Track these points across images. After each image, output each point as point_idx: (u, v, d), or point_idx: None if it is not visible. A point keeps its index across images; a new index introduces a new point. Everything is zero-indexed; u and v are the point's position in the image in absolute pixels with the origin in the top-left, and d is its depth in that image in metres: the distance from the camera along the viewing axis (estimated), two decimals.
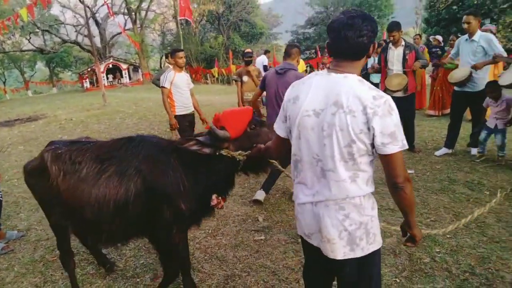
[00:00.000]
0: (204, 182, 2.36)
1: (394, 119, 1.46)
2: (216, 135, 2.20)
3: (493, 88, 4.75)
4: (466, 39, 4.93)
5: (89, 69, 33.23)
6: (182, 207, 2.30)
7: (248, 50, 6.46)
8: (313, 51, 31.13)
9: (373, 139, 1.46)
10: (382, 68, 5.50)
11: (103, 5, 35.20)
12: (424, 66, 5.61)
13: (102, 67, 28.87)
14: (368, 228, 1.59)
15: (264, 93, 4.32)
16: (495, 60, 4.67)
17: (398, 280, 2.66)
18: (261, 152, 2.13)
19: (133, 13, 32.83)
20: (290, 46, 4.18)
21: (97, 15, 36.32)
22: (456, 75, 4.99)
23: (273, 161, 2.35)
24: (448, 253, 2.95)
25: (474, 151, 5.21)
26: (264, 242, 3.36)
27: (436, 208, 3.75)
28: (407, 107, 5.08)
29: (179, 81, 5.14)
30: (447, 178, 4.52)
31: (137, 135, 2.53)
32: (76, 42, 35.69)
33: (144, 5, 33.52)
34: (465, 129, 5.70)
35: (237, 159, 2.22)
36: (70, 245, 2.75)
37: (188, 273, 2.65)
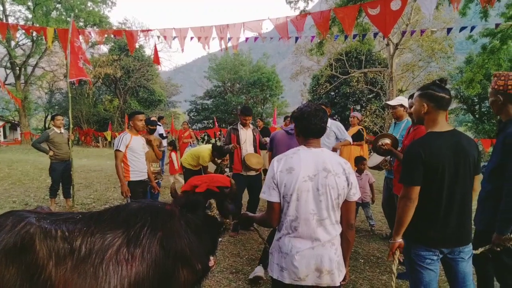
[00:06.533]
0: (206, 242, 2.42)
1: (355, 176, 2.07)
2: (230, 199, 2.54)
3: (359, 162, 5.66)
4: None
5: None
6: (198, 267, 2.29)
7: (154, 118, 6.06)
8: (211, 121, 32.31)
9: (348, 191, 2.01)
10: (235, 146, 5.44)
11: None
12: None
13: None
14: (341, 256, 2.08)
15: None
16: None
17: None
18: (252, 220, 2.42)
19: (17, 68, 30.28)
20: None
21: None
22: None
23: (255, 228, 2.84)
24: None
25: None
26: None
27: None
28: (258, 184, 5.33)
29: (134, 145, 4.82)
30: None
31: (132, 201, 2.35)
32: None
33: (32, 61, 31.30)
34: None
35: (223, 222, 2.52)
36: None
37: None
